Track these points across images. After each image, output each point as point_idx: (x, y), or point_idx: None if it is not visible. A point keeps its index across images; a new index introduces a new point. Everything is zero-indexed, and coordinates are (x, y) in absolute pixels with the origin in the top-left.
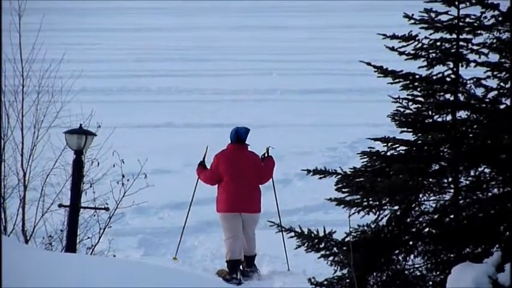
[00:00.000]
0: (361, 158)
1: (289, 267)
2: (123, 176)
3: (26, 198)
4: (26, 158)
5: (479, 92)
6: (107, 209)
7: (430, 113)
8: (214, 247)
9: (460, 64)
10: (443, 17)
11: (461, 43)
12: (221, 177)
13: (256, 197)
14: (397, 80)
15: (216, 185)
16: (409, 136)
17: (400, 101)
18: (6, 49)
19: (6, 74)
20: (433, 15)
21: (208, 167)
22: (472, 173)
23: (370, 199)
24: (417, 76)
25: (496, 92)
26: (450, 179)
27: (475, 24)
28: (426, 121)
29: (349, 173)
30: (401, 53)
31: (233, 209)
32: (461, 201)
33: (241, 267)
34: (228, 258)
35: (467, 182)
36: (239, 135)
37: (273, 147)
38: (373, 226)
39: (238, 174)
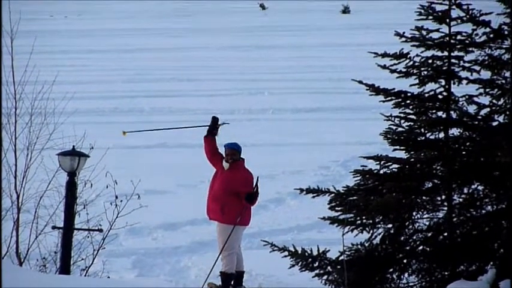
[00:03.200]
0: (354, 177)
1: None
2: (117, 197)
3: (20, 221)
4: (19, 180)
5: (471, 109)
6: (100, 230)
7: (422, 130)
8: (208, 267)
9: (452, 81)
10: (435, 35)
11: (452, 60)
12: None
13: None
14: (389, 98)
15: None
16: (402, 154)
17: (393, 118)
18: None
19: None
20: (424, 32)
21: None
22: (465, 191)
23: (364, 217)
24: (409, 94)
25: (488, 109)
26: (443, 197)
27: (467, 41)
28: (419, 139)
29: (342, 191)
30: (392, 71)
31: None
32: (454, 219)
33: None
34: (229, 271)
35: (461, 200)
36: None
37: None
38: (366, 245)
39: None
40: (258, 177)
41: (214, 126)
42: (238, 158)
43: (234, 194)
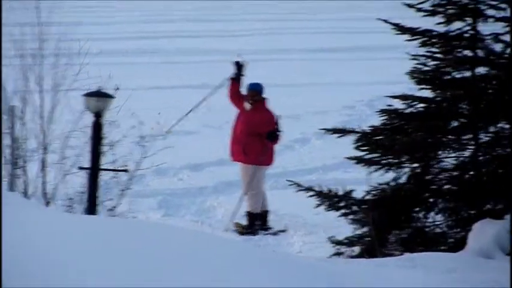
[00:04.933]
0: (380, 116)
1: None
2: (142, 138)
3: (46, 161)
4: (45, 121)
5: (498, 47)
6: (126, 170)
7: (448, 69)
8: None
9: (478, 20)
10: None
11: None
12: None
13: None
14: (415, 37)
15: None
16: (428, 93)
17: (419, 58)
18: (25, 13)
19: (25, 38)
20: None
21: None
22: (491, 129)
23: (389, 157)
24: (435, 33)
25: None
26: (469, 136)
27: None
28: (445, 78)
29: (368, 131)
30: (419, 10)
31: None
32: (480, 158)
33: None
34: (255, 211)
35: (487, 139)
36: None
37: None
38: (392, 184)
39: None
40: (279, 116)
41: (240, 71)
42: (259, 99)
43: (255, 135)
